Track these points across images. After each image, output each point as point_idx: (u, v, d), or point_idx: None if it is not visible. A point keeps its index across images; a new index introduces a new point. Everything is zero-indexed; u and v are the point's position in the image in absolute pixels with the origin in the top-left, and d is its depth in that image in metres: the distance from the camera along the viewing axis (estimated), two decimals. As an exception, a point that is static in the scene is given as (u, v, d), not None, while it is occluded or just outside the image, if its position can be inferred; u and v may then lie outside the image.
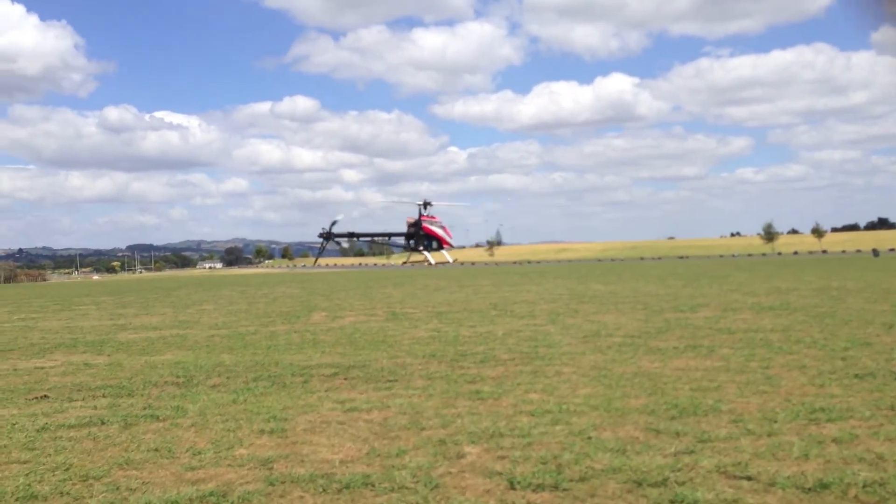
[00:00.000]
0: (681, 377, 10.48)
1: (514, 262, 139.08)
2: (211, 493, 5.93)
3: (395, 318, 22.06)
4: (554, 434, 7.52)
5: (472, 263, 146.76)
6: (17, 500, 5.96)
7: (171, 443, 7.63)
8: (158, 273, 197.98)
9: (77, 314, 29.53)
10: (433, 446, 7.19)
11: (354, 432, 7.88)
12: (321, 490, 5.98)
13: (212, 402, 9.70)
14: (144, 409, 9.45)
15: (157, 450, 7.37)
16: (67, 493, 6.08)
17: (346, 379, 11.30)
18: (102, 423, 8.68)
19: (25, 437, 8.14)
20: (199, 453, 7.20)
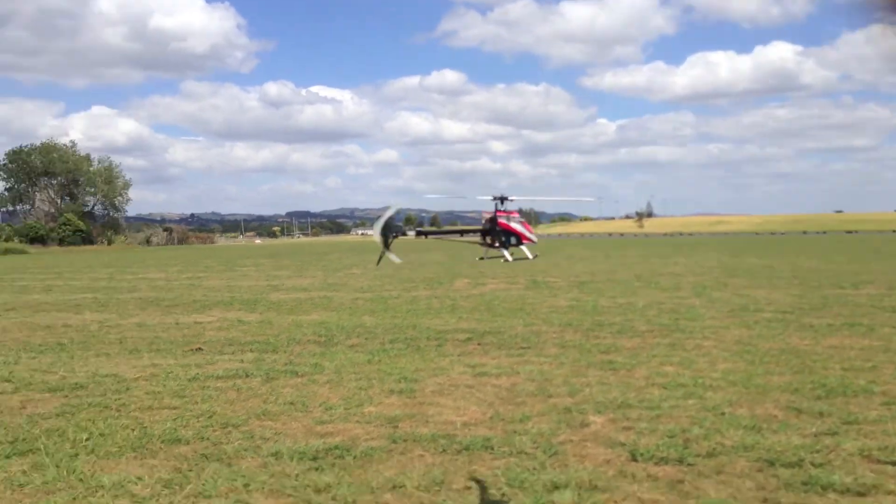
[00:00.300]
0: (832, 356, 9.86)
1: (665, 234, 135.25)
2: (336, 447, 6.13)
3: (535, 286, 21.96)
4: (685, 408, 7.26)
5: (621, 235, 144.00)
6: (163, 442, 6.39)
7: (306, 397, 7.95)
8: (314, 238, 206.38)
9: (237, 275, 31.25)
10: (558, 414, 7.12)
11: (481, 396, 7.92)
12: (441, 450, 6.05)
13: (348, 361, 10.02)
14: (286, 364, 9.88)
15: (292, 403, 7.70)
16: (207, 439, 6.46)
17: (479, 344, 11.37)
18: (247, 376, 9.16)
19: (178, 385, 8.72)
20: (331, 409, 7.46)
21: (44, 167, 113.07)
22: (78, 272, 35.66)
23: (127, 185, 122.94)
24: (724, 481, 5.26)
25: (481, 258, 6.93)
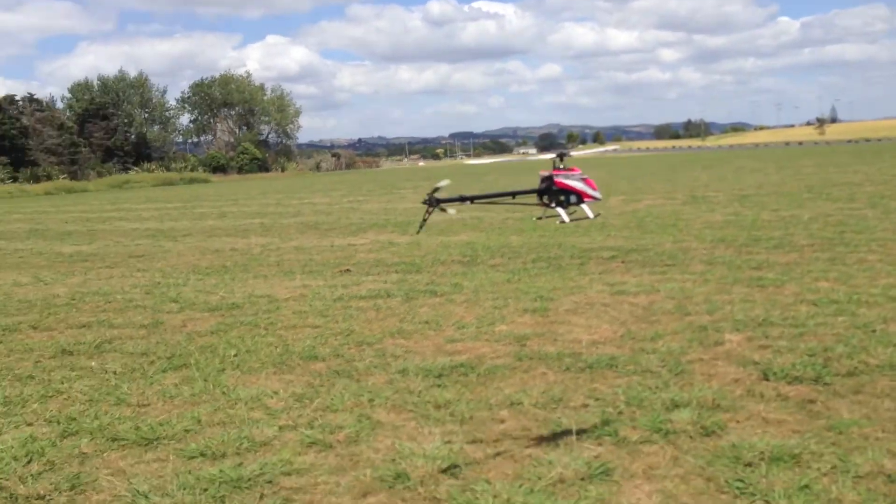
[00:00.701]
0: None
1: (849, 141, 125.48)
2: (461, 365, 6.26)
3: (693, 201, 21.14)
4: (833, 325, 6.84)
5: (799, 143, 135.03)
6: (301, 359, 6.75)
7: (442, 316, 8.12)
8: (477, 159, 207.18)
9: (396, 197, 32.04)
10: (692, 332, 6.90)
11: (615, 315, 7.80)
12: (565, 368, 6.04)
13: (488, 281, 10.11)
14: (427, 284, 10.11)
15: (427, 322, 7.90)
16: (342, 356, 6.77)
17: (623, 262, 11.14)
18: (388, 296, 9.46)
19: (322, 305, 9.14)
20: (463, 327, 7.59)
21: (223, 98, 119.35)
22: (251, 199, 37.77)
23: (297, 113, 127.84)
24: (860, 402, 4.95)
25: (538, 218, 6.82)
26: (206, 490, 4.13)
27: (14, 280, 12.68)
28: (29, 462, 4.67)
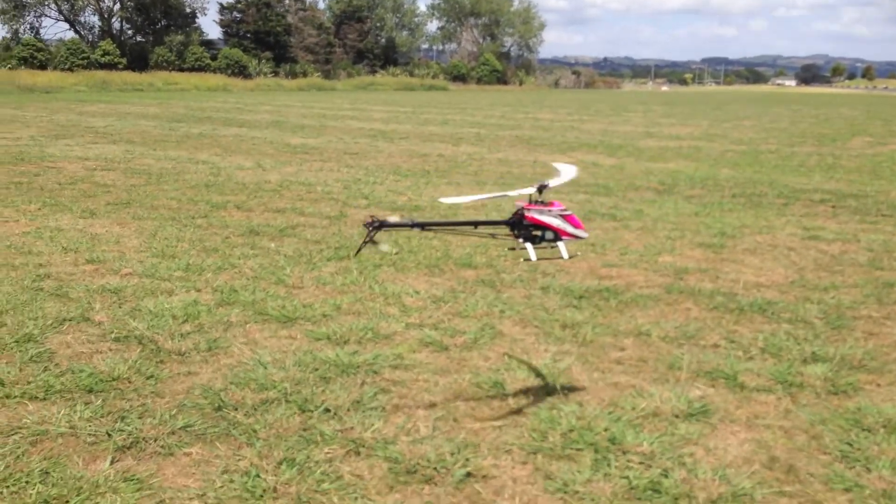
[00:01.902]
0: None
1: None
2: (606, 289, 6.12)
3: (951, 149, 18.78)
4: None
5: None
6: (456, 264, 6.91)
7: (610, 240, 7.93)
8: (726, 87, 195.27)
9: (620, 120, 31.13)
10: (875, 288, 6.28)
11: (796, 260, 7.24)
12: (712, 307, 5.74)
13: (673, 211, 9.70)
14: (610, 208, 9.87)
15: (593, 244, 7.74)
16: (493, 267, 6.84)
17: (833, 207, 10.24)
18: (565, 215, 9.34)
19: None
20: (626, 254, 7.39)
21: (471, 7, 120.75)
22: (478, 109, 38.25)
23: (542, 26, 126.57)
24: None
25: (512, 248, 6.05)
26: (316, 370, 4.43)
27: (239, 164, 13.87)
28: (184, 322, 5.22)
